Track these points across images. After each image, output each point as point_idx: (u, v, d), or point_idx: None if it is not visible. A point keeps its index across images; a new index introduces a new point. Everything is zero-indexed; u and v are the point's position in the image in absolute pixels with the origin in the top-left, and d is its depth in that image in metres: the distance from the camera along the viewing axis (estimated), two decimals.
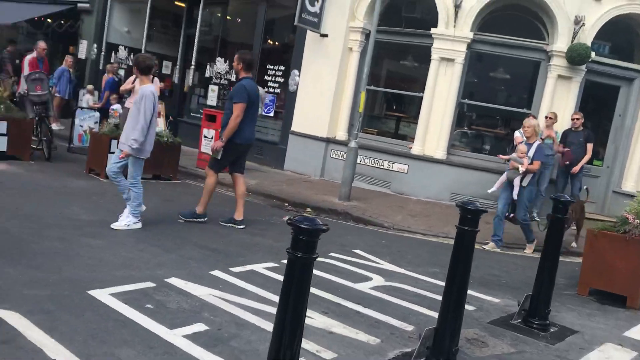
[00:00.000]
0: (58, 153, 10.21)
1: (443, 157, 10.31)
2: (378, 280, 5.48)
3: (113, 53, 15.58)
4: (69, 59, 13.45)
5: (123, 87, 10.46)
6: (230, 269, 5.14)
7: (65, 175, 8.51)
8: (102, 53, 15.66)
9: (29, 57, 11.36)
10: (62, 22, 16.63)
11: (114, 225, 6.00)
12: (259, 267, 5.33)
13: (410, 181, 10.43)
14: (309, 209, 8.51)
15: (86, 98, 13.14)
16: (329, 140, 11.11)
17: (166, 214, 6.94)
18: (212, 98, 13.12)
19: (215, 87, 13.12)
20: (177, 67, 14.29)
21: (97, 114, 11.36)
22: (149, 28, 14.93)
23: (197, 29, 13.63)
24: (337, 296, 4.81)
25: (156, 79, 11.26)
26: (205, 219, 6.82)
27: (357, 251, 6.46)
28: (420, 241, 7.58)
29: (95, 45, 15.80)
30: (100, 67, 15.34)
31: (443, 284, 5.54)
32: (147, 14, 14.80)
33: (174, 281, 4.62)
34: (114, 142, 8.71)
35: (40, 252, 4.90)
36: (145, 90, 6.06)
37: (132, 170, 6.20)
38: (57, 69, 13.45)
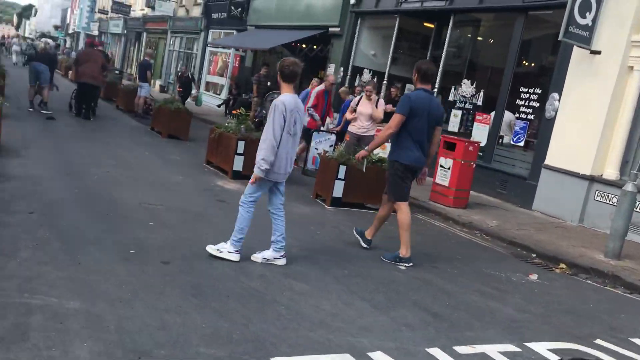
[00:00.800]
0: (291, 175, 10.07)
1: None
2: None
3: (358, 76, 15.52)
4: (314, 82, 13.58)
5: (348, 116, 10.19)
6: (454, 347, 3.90)
7: (291, 200, 8.12)
8: (348, 76, 15.71)
9: (317, 89, 11.43)
10: (314, 46, 17.19)
11: (254, 257, 5.18)
12: (493, 350, 3.96)
13: None
14: (562, 265, 6.78)
15: (326, 121, 13.07)
16: (593, 179, 9.06)
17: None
18: (453, 123, 11.95)
19: (459, 112, 11.94)
20: None
21: (333, 137, 11.12)
22: (394, 50, 14.49)
23: (444, 50, 12.67)
24: None
25: (381, 100, 10.60)
26: (411, 264, 5.76)
27: (636, 341, 4.64)
28: None
29: (342, 69, 15.93)
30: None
31: None
32: (394, 36, 14.42)
33: (379, 357, 3.58)
34: (342, 168, 8.18)
35: (236, 293, 4.31)
36: (277, 100, 5.03)
37: (249, 187, 5.24)
38: (302, 91, 13.69)
